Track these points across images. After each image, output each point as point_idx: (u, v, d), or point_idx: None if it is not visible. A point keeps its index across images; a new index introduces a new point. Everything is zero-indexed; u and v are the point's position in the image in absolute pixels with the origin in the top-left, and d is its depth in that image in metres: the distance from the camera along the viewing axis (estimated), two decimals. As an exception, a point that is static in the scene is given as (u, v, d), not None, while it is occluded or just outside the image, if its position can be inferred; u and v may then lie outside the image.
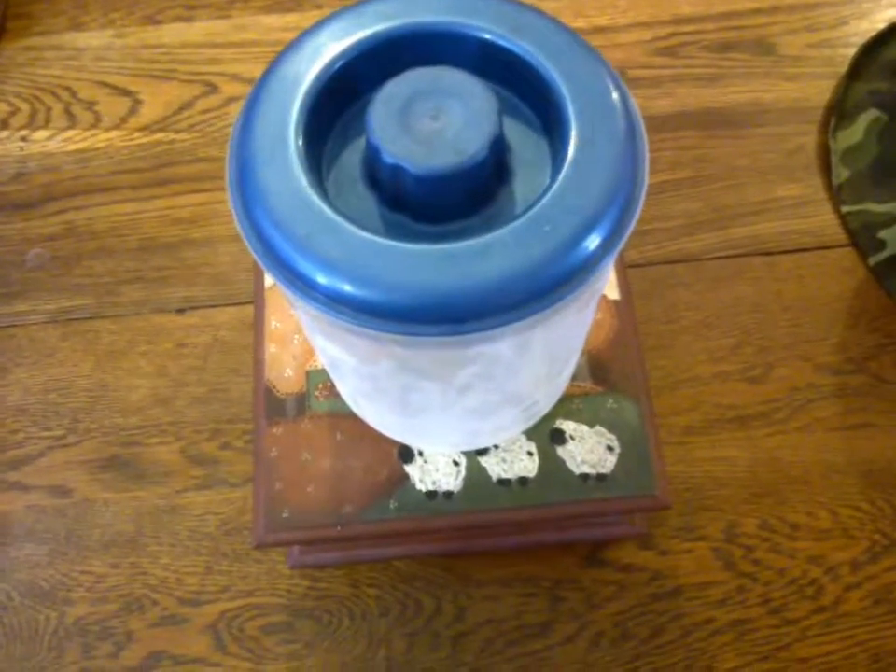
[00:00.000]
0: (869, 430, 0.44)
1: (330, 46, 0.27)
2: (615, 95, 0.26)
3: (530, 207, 0.24)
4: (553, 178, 0.25)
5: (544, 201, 0.24)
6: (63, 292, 0.50)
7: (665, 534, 0.42)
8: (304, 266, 0.24)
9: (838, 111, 0.51)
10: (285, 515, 0.36)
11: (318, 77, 0.26)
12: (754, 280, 0.48)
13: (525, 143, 0.27)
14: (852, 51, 0.54)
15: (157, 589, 0.43)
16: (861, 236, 0.48)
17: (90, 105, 0.57)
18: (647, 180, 0.26)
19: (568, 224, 0.24)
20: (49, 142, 0.55)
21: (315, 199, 0.24)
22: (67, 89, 0.57)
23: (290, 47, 0.27)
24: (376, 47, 0.27)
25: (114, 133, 0.55)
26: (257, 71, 0.56)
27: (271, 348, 0.39)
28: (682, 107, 0.53)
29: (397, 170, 0.24)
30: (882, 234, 0.47)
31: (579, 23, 0.56)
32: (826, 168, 0.51)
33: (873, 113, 0.51)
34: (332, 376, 0.36)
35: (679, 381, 0.46)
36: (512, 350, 0.27)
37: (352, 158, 0.27)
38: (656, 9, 0.57)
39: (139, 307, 0.49)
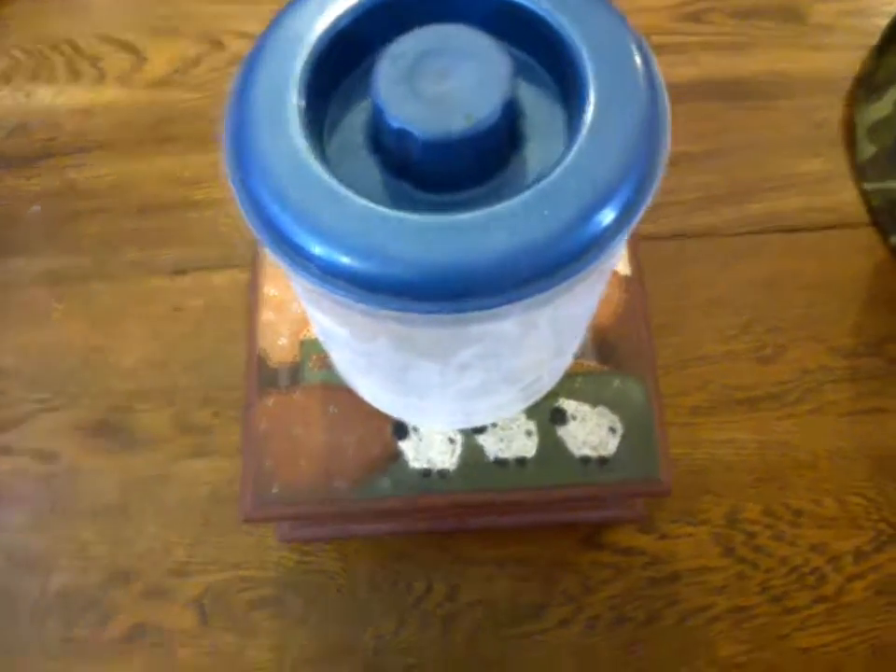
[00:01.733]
0: (881, 416, 0.43)
1: (335, 3, 0.25)
2: (637, 59, 0.24)
3: (541, 178, 0.22)
4: (567, 147, 0.23)
5: (556, 171, 0.22)
6: (59, 251, 0.48)
7: (665, 517, 0.41)
8: (298, 234, 0.22)
9: (867, 84, 0.49)
10: (274, 490, 0.35)
11: (323, 35, 0.24)
12: (770, 258, 0.46)
13: (539, 108, 0.25)
14: (885, 22, 0.51)
15: (143, 559, 0.42)
16: (883, 215, 0.46)
17: (94, 60, 0.54)
18: (667, 152, 0.24)
19: (581, 196, 0.22)
20: (52, 97, 0.53)
21: (313, 163, 0.23)
22: (71, 44, 0.55)
23: (291, 5, 0.25)
24: (385, 2, 0.25)
25: (118, 90, 0.53)
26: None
27: (266, 315, 0.38)
28: (705, 76, 0.51)
29: (402, 134, 0.23)
30: (905, 214, 0.46)
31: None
32: (851, 143, 0.48)
33: (902, 87, 0.49)
34: (326, 348, 0.35)
35: (687, 360, 0.44)
36: (517, 329, 0.26)
37: (355, 121, 0.25)
38: (680, -29, 0.54)
39: (135, 269, 0.48)
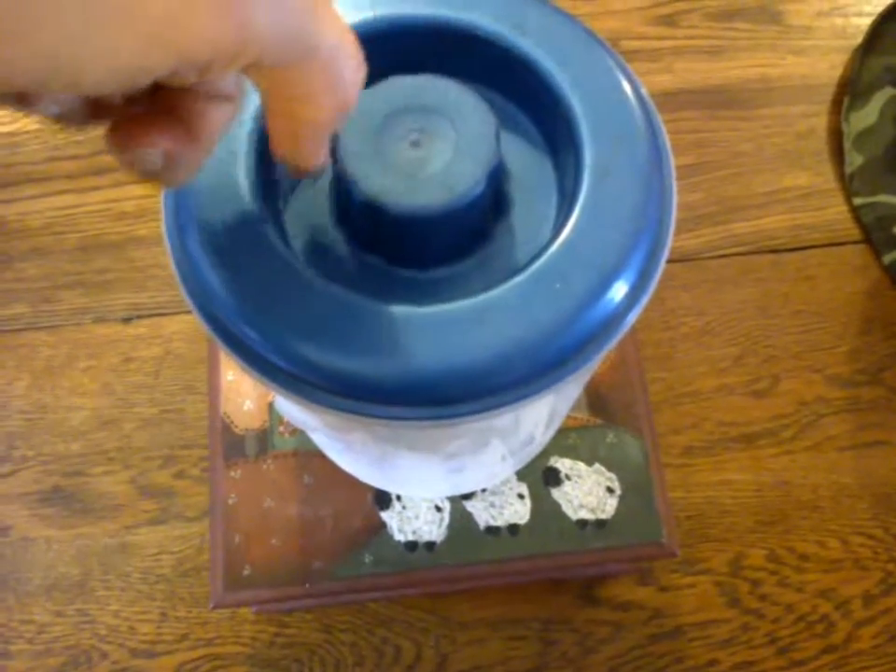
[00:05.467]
0: (883, 448, 0.41)
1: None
2: (638, 112, 0.21)
3: (536, 257, 0.19)
4: (561, 217, 0.20)
5: (553, 249, 0.19)
6: (-9, 300, 0.44)
7: (664, 567, 0.39)
8: (254, 327, 0.19)
9: (851, 89, 0.47)
10: (246, 573, 0.32)
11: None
12: (759, 281, 0.44)
13: (525, 164, 0.22)
14: (866, 22, 0.49)
15: (107, 639, 0.38)
16: (875, 231, 0.44)
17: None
18: (675, 214, 0.22)
19: (584, 278, 0.19)
20: (-29, 126, 0.49)
21: (270, 239, 0.19)
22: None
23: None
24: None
25: (45, 116, 0.49)
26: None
27: (227, 375, 0.35)
28: (682, 84, 0.48)
29: (372, 207, 0.19)
30: (898, 230, 0.44)
31: (569, -11, 0.51)
32: (838, 153, 0.46)
33: (888, 91, 0.46)
34: (299, 427, 0.32)
35: (678, 395, 0.42)
36: (509, 419, 0.23)
37: (316, 186, 0.22)
38: (653, -27, 0.51)
39: (80, 316, 0.44)
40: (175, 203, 0.21)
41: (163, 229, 0.21)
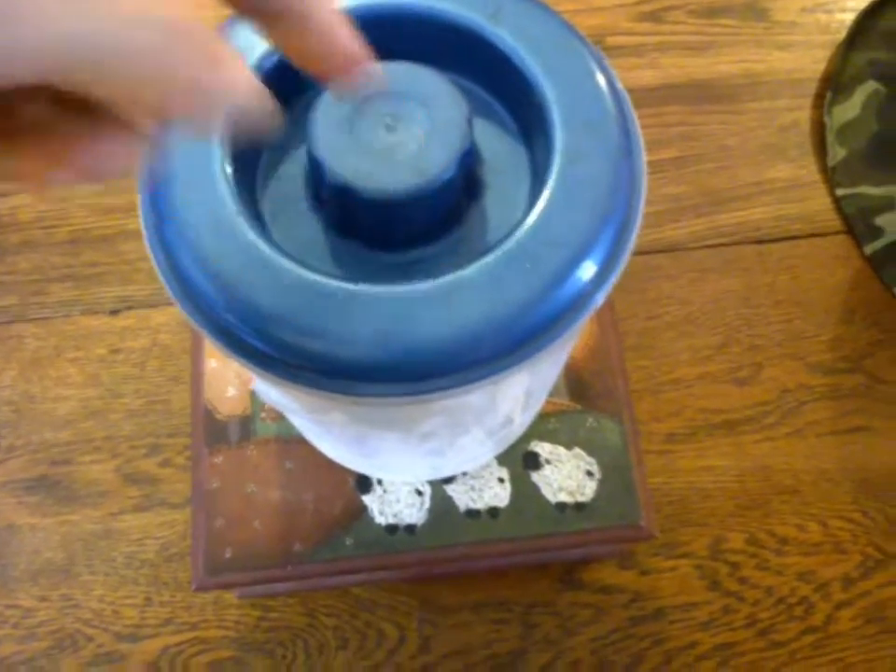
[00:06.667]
0: (864, 434, 0.41)
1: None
2: (610, 100, 0.21)
3: (506, 238, 0.20)
4: (533, 200, 0.21)
5: (523, 230, 0.20)
6: (-20, 291, 0.45)
7: (645, 551, 0.39)
8: (232, 312, 0.20)
9: (834, 83, 0.47)
10: (227, 555, 0.32)
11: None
12: (743, 271, 0.44)
13: (498, 149, 0.23)
14: (850, 17, 0.49)
15: (91, 623, 0.39)
16: (857, 222, 0.44)
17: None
18: (644, 197, 0.22)
19: (553, 258, 0.20)
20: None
21: (245, 227, 0.20)
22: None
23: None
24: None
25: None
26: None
27: (210, 364, 0.35)
28: (667, 79, 0.48)
29: (345, 191, 0.20)
30: (879, 220, 0.44)
31: (553, -18, 0.51)
32: (821, 146, 0.47)
33: (871, 85, 0.47)
34: (279, 410, 0.32)
35: (660, 383, 0.42)
36: (484, 398, 0.23)
37: (292, 171, 0.22)
38: (637, -34, 0.52)
39: (68, 308, 0.44)
40: (151, 193, 0.21)
41: (140, 219, 0.21)
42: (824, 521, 0.40)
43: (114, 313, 0.44)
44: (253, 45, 0.22)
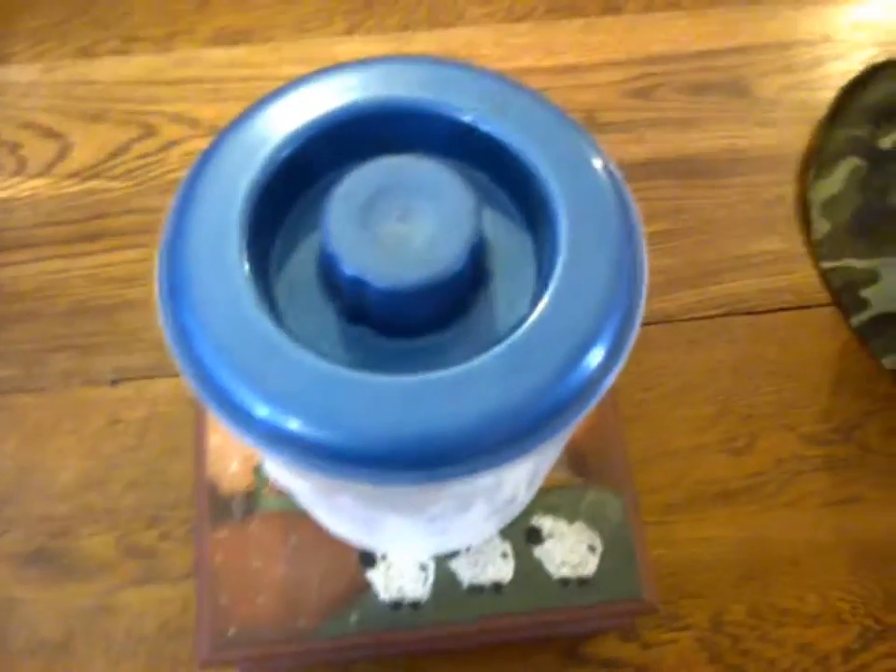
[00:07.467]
0: (858, 505, 0.42)
1: (279, 127, 0.23)
2: (610, 192, 0.22)
3: (515, 328, 0.21)
4: (539, 289, 0.22)
5: (531, 321, 0.21)
6: (-20, 362, 0.45)
7: (647, 624, 0.39)
8: (246, 398, 0.20)
9: (817, 159, 0.49)
10: (231, 632, 0.32)
11: (265, 166, 0.22)
12: (734, 342, 0.45)
13: (504, 239, 0.24)
14: (830, 94, 0.51)
15: (88, 703, 0.38)
16: (844, 295, 0.46)
17: (13, 147, 0.51)
18: (647, 283, 0.23)
19: (562, 347, 0.20)
20: (-34, 191, 0.50)
21: (262, 318, 0.20)
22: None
23: (232, 128, 0.23)
24: (334, 128, 0.23)
25: (40, 181, 0.50)
26: (200, 111, 0.52)
27: (213, 439, 0.35)
28: (655, 154, 0.50)
29: (358, 283, 0.21)
30: (864, 293, 0.45)
31: (549, 61, 0.53)
32: (806, 221, 0.48)
33: (852, 161, 0.49)
34: (285, 490, 0.32)
35: (657, 454, 0.43)
36: (493, 480, 0.24)
37: (305, 258, 0.23)
38: (628, 47, 0.54)
39: (68, 378, 0.44)
40: (168, 270, 0.22)
41: (156, 296, 0.22)
42: (823, 592, 0.40)
43: (114, 383, 0.44)
44: (268, 135, 0.23)
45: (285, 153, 0.23)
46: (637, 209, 0.23)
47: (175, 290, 0.22)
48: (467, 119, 0.23)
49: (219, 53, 0.55)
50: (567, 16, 0.56)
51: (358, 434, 0.20)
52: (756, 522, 0.41)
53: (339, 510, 0.27)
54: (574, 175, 0.22)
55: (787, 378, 0.44)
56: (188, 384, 0.21)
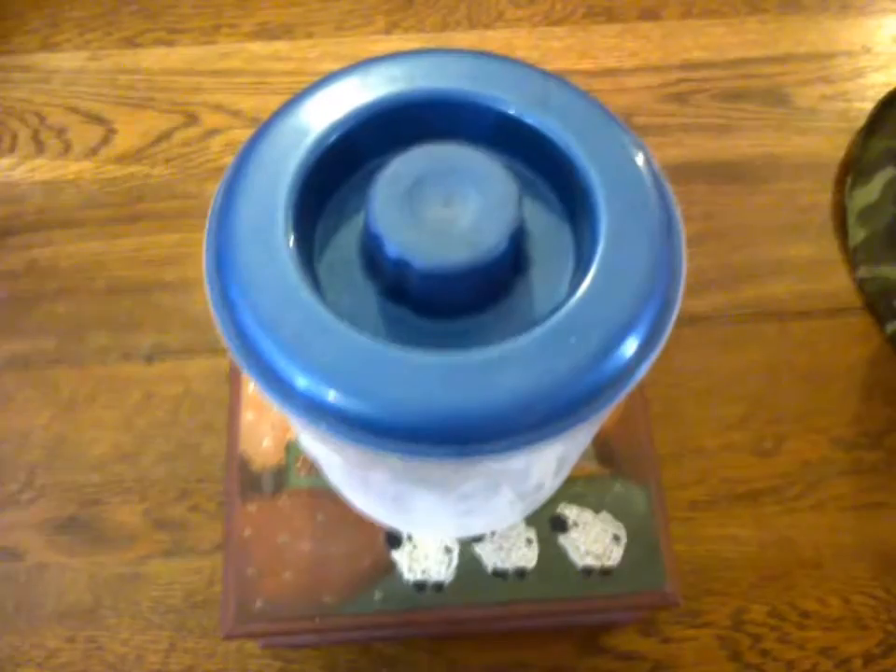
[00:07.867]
0: (884, 510, 0.41)
1: (328, 113, 0.23)
2: (650, 184, 0.23)
3: (553, 313, 0.21)
4: (578, 277, 0.22)
5: (569, 306, 0.21)
6: (21, 335, 0.46)
7: (667, 619, 0.40)
8: (289, 370, 0.21)
9: (854, 168, 0.49)
10: (258, 605, 0.33)
11: (313, 150, 0.23)
12: (765, 345, 0.45)
13: (544, 227, 0.24)
14: (868, 105, 0.51)
15: (115, 667, 0.39)
16: (878, 303, 0.45)
17: (59, 132, 0.53)
18: (684, 274, 0.23)
19: (597, 334, 0.21)
20: (14, 171, 0.51)
21: (306, 295, 0.21)
22: (36, 114, 0.53)
23: (281, 112, 0.24)
24: (380, 116, 0.24)
25: (84, 164, 0.51)
26: (241, 102, 0.53)
27: (247, 416, 0.36)
28: (691, 158, 0.50)
29: (401, 263, 0.21)
30: (899, 300, 0.45)
31: (585, 65, 0.53)
32: (842, 228, 0.48)
33: (890, 172, 0.48)
34: (316, 464, 0.33)
35: (684, 451, 0.43)
36: (524, 462, 0.24)
37: (348, 239, 0.24)
38: (665, 53, 0.54)
39: (104, 354, 0.45)
40: (216, 248, 0.22)
41: (205, 275, 0.22)
42: (846, 596, 0.40)
43: (149, 360, 0.45)
44: (317, 120, 0.23)
45: (332, 138, 0.23)
46: (676, 202, 0.23)
47: (223, 267, 0.22)
48: (511, 111, 0.24)
49: (261, 47, 0.55)
50: (604, 21, 0.56)
51: (395, 408, 0.20)
52: (780, 523, 0.41)
53: (369, 486, 0.27)
54: (615, 167, 0.23)
55: (817, 382, 0.44)
56: (231, 355, 0.22)
